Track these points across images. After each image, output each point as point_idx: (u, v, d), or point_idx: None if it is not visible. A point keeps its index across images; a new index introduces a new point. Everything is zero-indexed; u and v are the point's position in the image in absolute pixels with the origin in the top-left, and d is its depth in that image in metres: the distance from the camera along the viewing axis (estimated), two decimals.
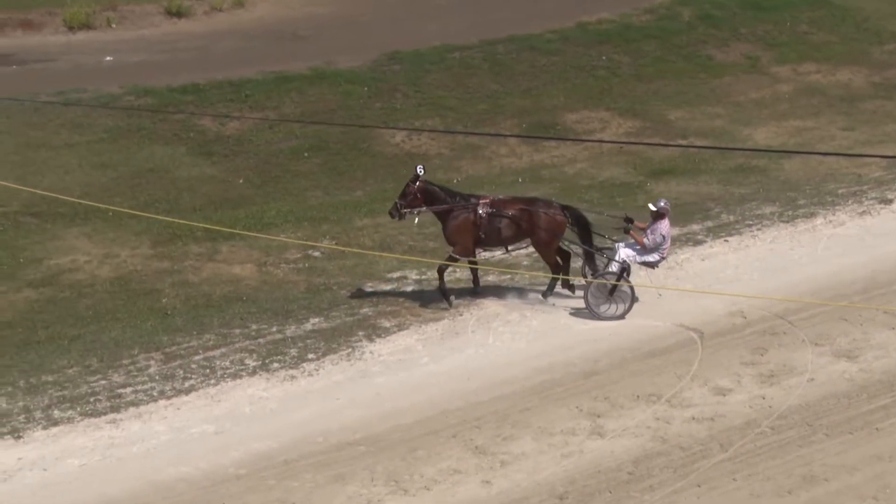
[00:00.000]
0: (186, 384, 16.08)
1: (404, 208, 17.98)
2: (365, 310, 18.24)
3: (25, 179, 22.45)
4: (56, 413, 15.27)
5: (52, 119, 25.52)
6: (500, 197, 18.42)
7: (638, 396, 15.59)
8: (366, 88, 28.03)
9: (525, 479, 13.83)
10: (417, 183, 17.96)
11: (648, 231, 17.77)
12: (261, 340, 17.30)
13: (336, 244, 20.53)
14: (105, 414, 15.28)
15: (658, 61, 30.59)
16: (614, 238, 18.53)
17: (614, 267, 17.71)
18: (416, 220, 18.42)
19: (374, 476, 13.81)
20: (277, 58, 29.32)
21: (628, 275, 17.69)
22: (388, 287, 19.18)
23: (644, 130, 27.27)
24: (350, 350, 17.08)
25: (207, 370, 16.46)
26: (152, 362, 16.69)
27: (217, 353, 16.90)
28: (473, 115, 27.37)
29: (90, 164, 24.05)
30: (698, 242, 20.94)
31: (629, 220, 18.00)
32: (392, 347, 17.14)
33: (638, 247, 17.82)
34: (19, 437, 14.67)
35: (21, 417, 15.15)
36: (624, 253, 17.74)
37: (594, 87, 29.17)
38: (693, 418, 15.06)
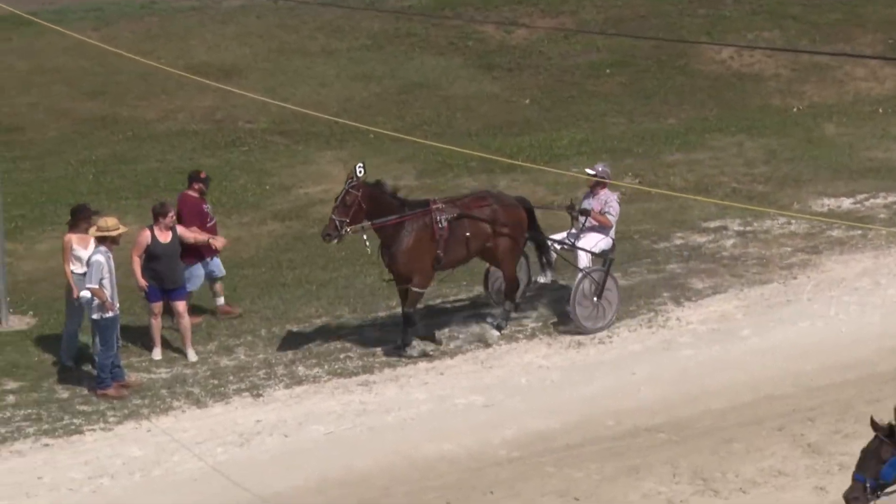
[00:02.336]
0: (452, 345, 16.38)
1: (346, 226, 15.73)
2: (672, 266, 18.09)
3: (275, 91, 23.33)
4: (300, 370, 15.87)
5: (308, 21, 26.39)
6: (448, 199, 16.62)
7: None
8: None
9: None
10: (360, 189, 15.76)
11: (599, 206, 16.73)
12: (543, 298, 17.41)
13: (639, 183, 20.38)
14: (356, 374, 15.77)
15: None
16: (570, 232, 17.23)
17: (584, 261, 16.71)
18: (368, 244, 16.27)
19: (677, 471, 13.71)
20: None
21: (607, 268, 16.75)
22: (702, 239, 18.95)
23: None
24: (652, 315, 16.97)
25: (477, 330, 16.72)
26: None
27: (489, 310, 17.11)
28: (823, 26, 26.54)
29: (350, 75, 24.76)
30: None
31: (572, 207, 16.97)
32: (704, 314, 16.94)
33: (593, 231, 16.84)
34: (259, 396, 15.34)
35: (261, 373, 15.84)
36: (591, 243, 16.75)
37: None
38: None
